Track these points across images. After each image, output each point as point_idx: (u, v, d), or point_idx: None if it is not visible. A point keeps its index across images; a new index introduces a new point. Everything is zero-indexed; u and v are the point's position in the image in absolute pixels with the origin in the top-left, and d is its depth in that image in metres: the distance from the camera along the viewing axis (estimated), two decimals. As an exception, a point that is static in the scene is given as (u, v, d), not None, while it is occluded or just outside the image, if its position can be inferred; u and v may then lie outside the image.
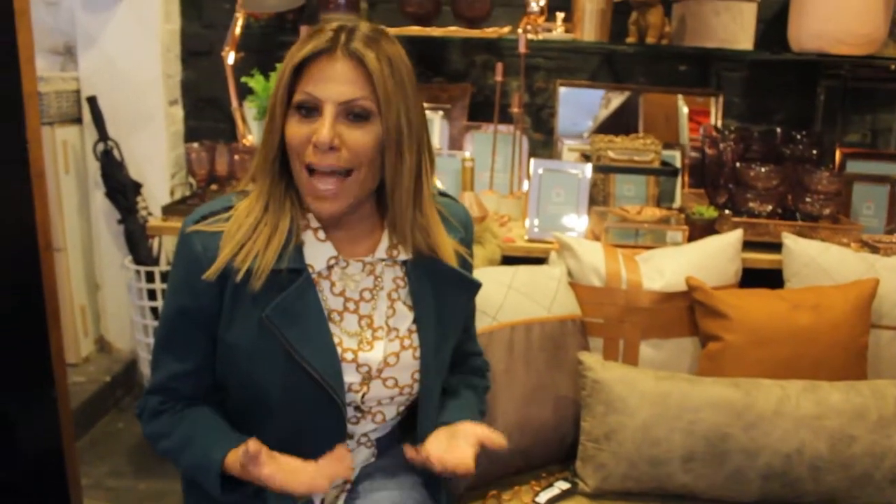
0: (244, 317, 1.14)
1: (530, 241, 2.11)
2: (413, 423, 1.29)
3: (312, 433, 1.18)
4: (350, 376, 1.19)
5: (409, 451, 1.21)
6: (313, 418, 1.17)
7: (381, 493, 1.26)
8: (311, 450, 1.16)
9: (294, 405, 1.16)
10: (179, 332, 1.18)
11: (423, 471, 1.27)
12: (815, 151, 2.30)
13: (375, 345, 1.21)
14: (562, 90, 2.63)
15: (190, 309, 1.16)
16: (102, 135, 2.58)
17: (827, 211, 2.13)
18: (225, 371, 1.20)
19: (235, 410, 1.23)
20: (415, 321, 1.24)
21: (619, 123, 2.64)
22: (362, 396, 1.21)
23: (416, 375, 1.24)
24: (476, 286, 1.32)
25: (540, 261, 1.97)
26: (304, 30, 2.29)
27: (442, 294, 1.26)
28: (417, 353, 1.24)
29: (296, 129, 1.11)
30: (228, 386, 1.21)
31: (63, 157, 2.61)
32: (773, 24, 2.59)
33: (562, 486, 1.58)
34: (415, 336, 1.24)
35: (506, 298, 1.68)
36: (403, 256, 1.24)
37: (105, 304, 2.84)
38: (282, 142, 1.14)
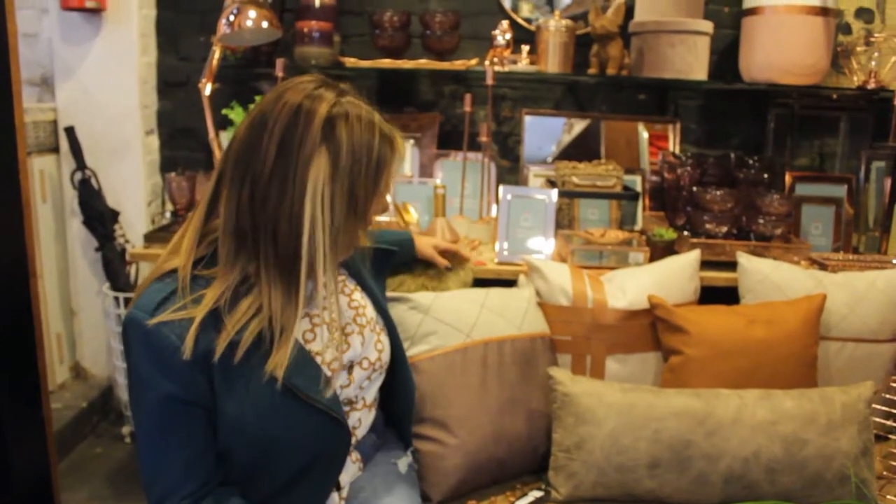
0: (241, 387, 1.14)
1: (500, 263, 2.20)
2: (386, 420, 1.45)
3: (321, 458, 1.23)
4: (339, 379, 1.27)
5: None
6: (322, 445, 1.22)
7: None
8: (319, 472, 1.24)
9: (305, 441, 1.20)
10: (174, 421, 1.13)
11: (408, 474, 1.40)
12: (766, 175, 2.44)
13: (350, 340, 1.31)
14: (527, 118, 2.75)
15: (177, 395, 1.11)
16: (80, 164, 2.62)
17: (778, 231, 2.27)
18: (230, 440, 1.17)
19: (241, 463, 1.19)
20: (367, 297, 1.40)
21: (581, 149, 2.75)
22: (352, 388, 1.31)
23: (379, 346, 1.36)
24: (391, 252, 1.54)
25: (510, 283, 2.05)
26: (279, 63, 2.38)
27: (370, 267, 1.44)
28: (377, 323, 1.39)
29: None
30: (233, 448, 1.18)
31: (40, 186, 2.65)
32: (725, 55, 2.74)
33: (536, 494, 1.66)
34: (368, 308, 1.39)
35: (479, 317, 1.76)
36: None
37: (81, 330, 2.86)
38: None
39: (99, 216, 2.62)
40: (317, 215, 1.11)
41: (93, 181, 2.64)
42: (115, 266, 2.60)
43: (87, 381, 2.87)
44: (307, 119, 1.12)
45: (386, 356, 1.38)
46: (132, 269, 2.68)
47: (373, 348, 1.35)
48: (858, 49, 2.53)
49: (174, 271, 1.16)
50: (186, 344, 1.08)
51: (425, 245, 1.86)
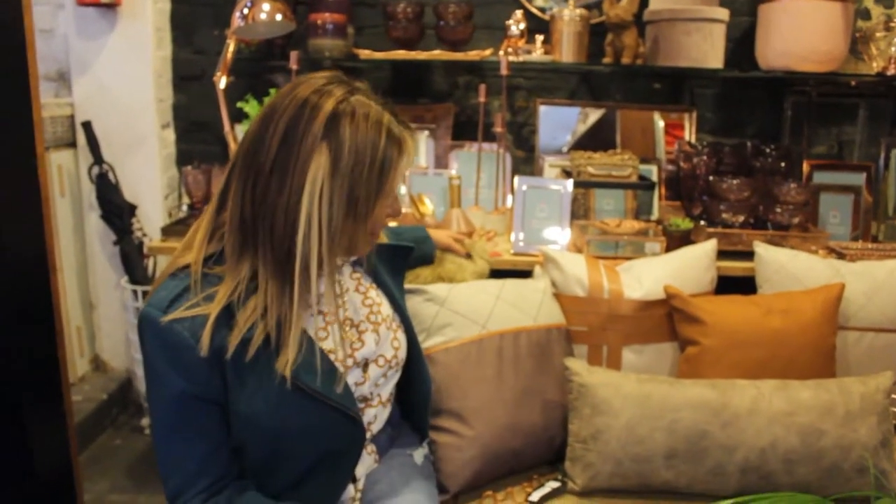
0: (253, 384, 1.14)
1: (516, 254, 2.20)
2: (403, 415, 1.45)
3: (335, 453, 1.24)
4: (353, 376, 1.27)
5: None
6: (336, 441, 1.23)
7: (395, 499, 1.34)
8: (334, 467, 1.24)
9: (318, 437, 1.20)
10: (188, 417, 1.14)
11: (423, 466, 1.41)
12: (783, 164, 2.41)
13: (364, 338, 1.30)
14: (542, 108, 2.74)
15: (191, 391, 1.12)
16: (97, 158, 2.65)
17: (796, 220, 2.25)
18: (243, 435, 1.17)
19: (255, 458, 1.20)
20: (383, 294, 1.39)
21: (597, 138, 2.74)
22: (367, 385, 1.30)
23: (395, 343, 1.36)
24: (408, 249, 1.50)
25: (526, 273, 2.05)
26: (293, 55, 2.38)
27: (387, 265, 1.43)
28: (393, 320, 1.38)
29: None
30: (247, 443, 1.19)
31: (58, 181, 2.68)
32: (742, 42, 2.71)
33: (552, 485, 1.66)
34: (384, 306, 1.38)
35: (494, 308, 1.76)
36: None
37: (100, 323, 2.89)
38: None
39: (116, 210, 2.64)
40: (313, 213, 1.10)
41: (110, 175, 2.67)
42: (132, 259, 2.63)
43: (107, 373, 2.91)
44: (311, 113, 1.11)
45: (402, 353, 1.38)
46: (150, 263, 2.70)
47: (389, 346, 1.35)
48: (878, 34, 2.49)
49: (187, 267, 1.16)
50: (203, 341, 1.09)
51: (442, 236, 1.87)
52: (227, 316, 1.13)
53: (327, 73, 1.18)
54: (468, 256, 1.91)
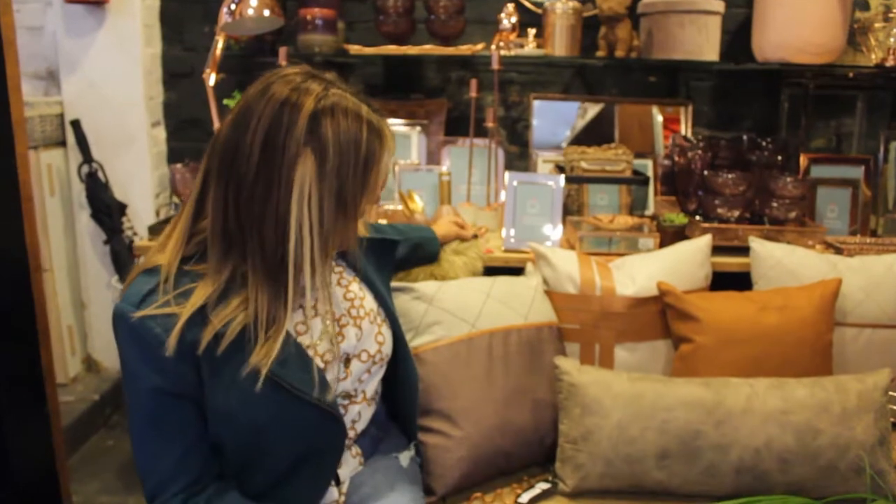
0: (227, 379, 1.12)
1: (507, 251, 2.17)
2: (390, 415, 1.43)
3: (315, 452, 1.22)
4: (333, 372, 1.24)
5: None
6: (315, 439, 1.21)
7: (378, 503, 1.32)
8: (314, 466, 1.22)
9: (296, 433, 1.18)
10: (164, 414, 1.12)
11: (410, 469, 1.39)
12: (780, 157, 2.38)
13: (345, 332, 1.28)
14: (536, 103, 2.70)
15: (165, 387, 1.10)
16: (87, 157, 2.62)
17: (792, 215, 2.21)
18: (221, 431, 1.15)
19: (234, 456, 1.18)
20: (367, 288, 1.36)
21: (595, 133, 2.70)
22: (350, 381, 1.28)
23: (379, 338, 1.33)
24: (393, 243, 1.49)
25: (517, 270, 2.02)
26: (282, 51, 2.35)
27: (372, 259, 1.41)
28: (377, 315, 1.35)
29: None
30: (224, 440, 1.16)
31: (48, 180, 2.65)
32: (738, 34, 2.68)
33: (542, 486, 1.63)
34: (368, 300, 1.35)
35: (484, 306, 1.73)
36: None
37: (92, 323, 2.87)
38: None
39: (106, 209, 2.62)
40: (303, 219, 1.08)
41: (100, 174, 2.64)
42: (123, 258, 2.60)
43: (100, 373, 2.88)
44: (291, 116, 1.08)
45: (387, 348, 1.36)
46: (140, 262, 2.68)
47: (373, 340, 1.32)
48: (876, 25, 2.45)
49: (160, 266, 1.14)
50: (170, 342, 1.07)
51: (445, 227, 1.85)
52: (202, 315, 1.10)
53: (297, 68, 1.15)
54: (475, 237, 1.90)
